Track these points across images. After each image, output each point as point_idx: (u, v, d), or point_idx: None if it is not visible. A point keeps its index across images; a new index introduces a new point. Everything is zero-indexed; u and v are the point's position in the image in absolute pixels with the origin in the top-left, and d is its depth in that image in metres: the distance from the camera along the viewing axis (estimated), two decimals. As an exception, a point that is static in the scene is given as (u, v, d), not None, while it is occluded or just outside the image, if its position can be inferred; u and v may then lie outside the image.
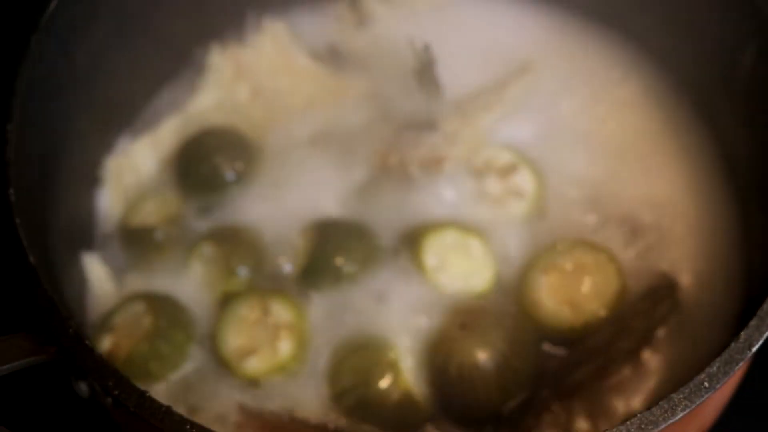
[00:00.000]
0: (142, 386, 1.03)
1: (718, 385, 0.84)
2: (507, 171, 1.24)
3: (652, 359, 1.10)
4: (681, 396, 0.83)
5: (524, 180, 1.23)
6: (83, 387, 0.92)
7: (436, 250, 1.16)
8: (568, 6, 1.37)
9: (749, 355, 0.85)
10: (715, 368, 0.84)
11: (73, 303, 1.10)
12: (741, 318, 0.99)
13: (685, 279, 1.15)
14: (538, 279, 1.13)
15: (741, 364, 0.85)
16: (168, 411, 0.84)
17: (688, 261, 1.17)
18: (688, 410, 0.83)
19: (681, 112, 1.29)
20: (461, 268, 1.16)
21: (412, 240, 1.17)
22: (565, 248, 1.14)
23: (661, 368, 1.09)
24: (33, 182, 1.06)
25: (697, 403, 0.83)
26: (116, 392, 0.85)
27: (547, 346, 1.12)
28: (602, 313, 1.10)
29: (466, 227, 1.19)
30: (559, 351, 1.11)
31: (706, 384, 0.84)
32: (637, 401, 1.07)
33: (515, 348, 1.07)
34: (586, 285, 1.12)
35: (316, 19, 1.43)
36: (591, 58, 1.35)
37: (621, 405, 1.06)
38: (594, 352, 1.07)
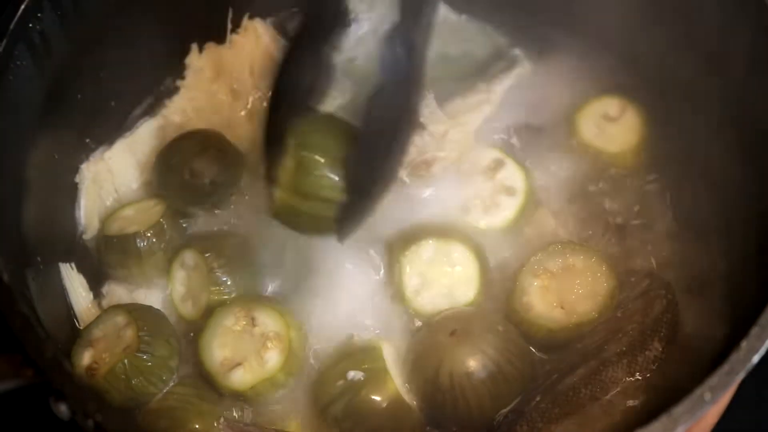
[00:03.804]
0: (126, 404, 1.02)
1: (719, 397, 0.82)
2: (494, 169, 1.22)
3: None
4: (682, 410, 0.81)
5: (513, 180, 1.21)
6: (63, 409, 0.89)
7: (416, 269, 1.14)
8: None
9: (751, 365, 0.83)
10: (716, 380, 0.82)
11: (51, 317, 1.06)
12: (735, 325, 0.96)
13: (675, 281, 1.13)
14: (530, 282, 1.11)
15: (742, 374, 0.83)
16: (150, 434, 0.81)
17: (677, 262, 1.16)
18: (689, 423, 0.81)
19: (658, 120, 1.27)
20: (444, 285, 1.14)
21: (392, 257, 1.15)
22: (555, 250, 1.13)
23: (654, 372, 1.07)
24: (6, 196, 1.03)
25: (699, 416, 0.81)
26: (97, 416, 0.83)
27: (538, 351, 1.10)
28: (594, 314, 1.08)
29: (446, 236, 1.15)
30: (551, 355, 1.10)
31: (707, 396, 0.82)
32: (632, 407, 1.05)
33: (507, 354, 1.05)
34: (578, 287, 1.10)
35: (297, 18, 1.41)
36: (575, 66, 1.33)
37: (617, 412, 1.04)
38: (587, 356, 1.05)
